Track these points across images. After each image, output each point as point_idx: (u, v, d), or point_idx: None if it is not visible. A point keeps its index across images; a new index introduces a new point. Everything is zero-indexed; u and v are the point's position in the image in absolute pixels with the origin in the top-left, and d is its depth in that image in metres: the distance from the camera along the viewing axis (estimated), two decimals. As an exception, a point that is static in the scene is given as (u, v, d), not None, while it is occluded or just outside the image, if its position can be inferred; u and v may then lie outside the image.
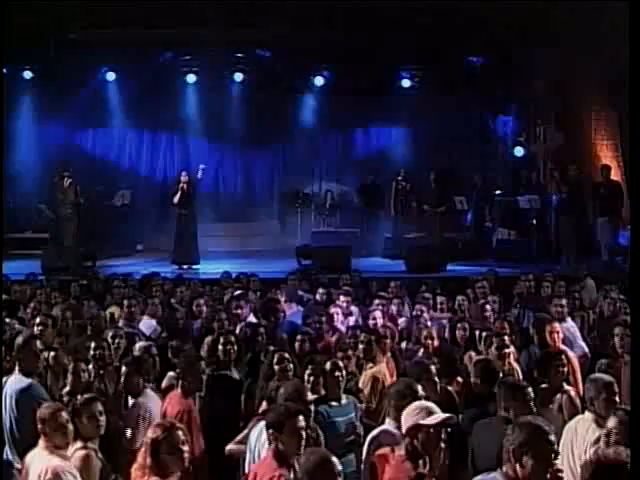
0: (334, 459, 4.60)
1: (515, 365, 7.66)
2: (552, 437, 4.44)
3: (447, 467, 5.46)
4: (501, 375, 6.90)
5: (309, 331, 8.68)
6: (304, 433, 5.26)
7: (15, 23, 16.82)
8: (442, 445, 5.11)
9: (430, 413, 5.14)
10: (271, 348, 7.67)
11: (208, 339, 8.44)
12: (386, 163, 20.91)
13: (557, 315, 9.14)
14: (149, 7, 17.29)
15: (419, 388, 5.94)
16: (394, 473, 5.13)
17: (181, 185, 16.92)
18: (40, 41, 18.55)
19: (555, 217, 18.22)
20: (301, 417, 5.30)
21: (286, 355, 7.18)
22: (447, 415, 5.19)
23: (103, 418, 5.88)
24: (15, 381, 6.81)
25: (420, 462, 5.09)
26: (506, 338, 7.74)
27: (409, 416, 5.20)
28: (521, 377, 7.38)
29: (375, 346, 7.76)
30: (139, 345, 8.18)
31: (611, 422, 5.27)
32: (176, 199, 16.98)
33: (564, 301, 9.53)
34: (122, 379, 6.99)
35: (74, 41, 18.83)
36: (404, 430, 5.18)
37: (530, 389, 6.01)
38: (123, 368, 7.04)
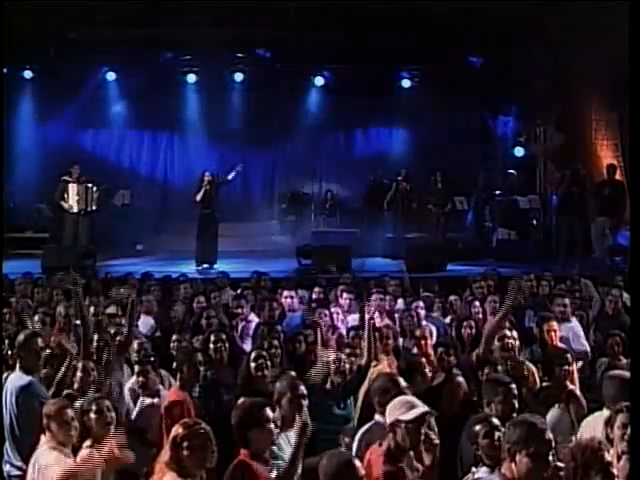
0: (357, 462, 4.59)
1: (531, 366, 7.58)
2: (548, 435, 4.45)
3: (436, 464, 5.48)
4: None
5: (305, 331, 8.69)
6: (272, 426, 5.25)
7: (15, 23, 16.82)
8: (423, 440, 5.16)
9: (411, 408, 5.16)
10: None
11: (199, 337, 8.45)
12: (386, 163, 20.92)
13: (560, 315, 9.12)
14: (149, 7, 17.30)
15: (401, 381, 5.99)
16: (376, 468, 5.13)
17: (205, 184, 16.86)
18: (40, 41, 18.57)
19: (555, 217, 18.22)
20: (267, 409, 5.29)
21: (263, 353, 7.23)
22: (423, 410, 5.17)
23: (112, 414, 5.91)
24: (16, 378, 6.79)
25: (402, 458, 5.12)
26: (507, 331, 7.72)
27: (391, 411, 5.24)
28: (536, 374, 7.38)
29: (378, 344, 7.77)
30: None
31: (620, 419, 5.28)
32: (199, 197, 16.85)
33: (567, 300, 9.51)
34: (137, 377, 6.98)
35: (74, 41, 18.84)
36: (387, 426, 5.22)
37: (513, 385, 6.03)
38: (136, 367, 7.03)
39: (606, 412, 5.81)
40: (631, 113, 6.43)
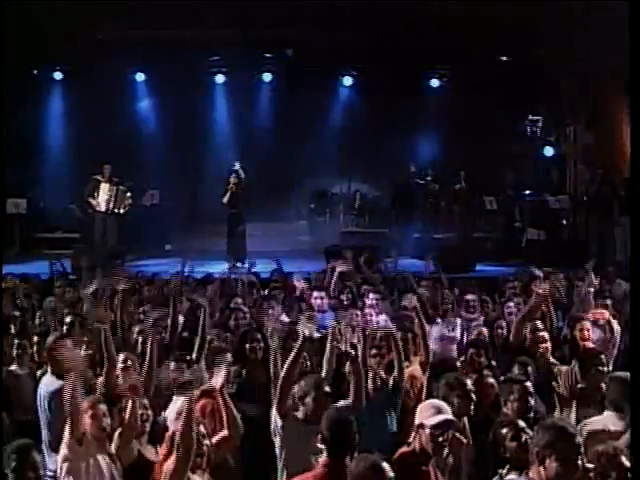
0: (385, 465, 4.54)
1: (562, 367, 7.52)
2: (577, 439, 4.40)
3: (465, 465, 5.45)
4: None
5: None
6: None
7: (45, 24, 16.96)
8: (449, 443, 5.13)
9: (437, 413, 5.17)
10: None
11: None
12: (415, 163, 20.85)
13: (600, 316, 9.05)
14: (178, 7, 17.33)
15: (468, 382, 6.03)
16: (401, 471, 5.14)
17: (230, 186, 17.11)
18: (70, 42, 18.67)
19: (585, 217, 18.11)
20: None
21: (304, 354, 7.19)
22: (446, 417, 5.17)
23: (148, 412, 5.98)
24: (48, 383, 6.82)
25: (426, 460, 5.13)
26: (538, 322, 7.71)
27: (419, 413, 5.26)
28: (568, 376, 7.33)
29: (411, 345, 7.73)
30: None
31: None
32: (225, 199, 17.23)
33: (609, 301, 9.44)
34: (172, 375, 6.96)
35: (104, 42, 18.94)
36: (414, 427, 5.24)
37: (529, 383, 6.10)
38: (172, 364, 7.03)
39: (608, 413, 5.83)
40: (631, 113, 6.37)
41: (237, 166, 17.34)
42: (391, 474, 4.51)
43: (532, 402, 6.00)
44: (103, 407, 5.73)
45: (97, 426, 5.62)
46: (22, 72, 19.47)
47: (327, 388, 6.00)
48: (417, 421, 5.21)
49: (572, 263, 15.79)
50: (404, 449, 5.29)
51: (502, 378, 6.61)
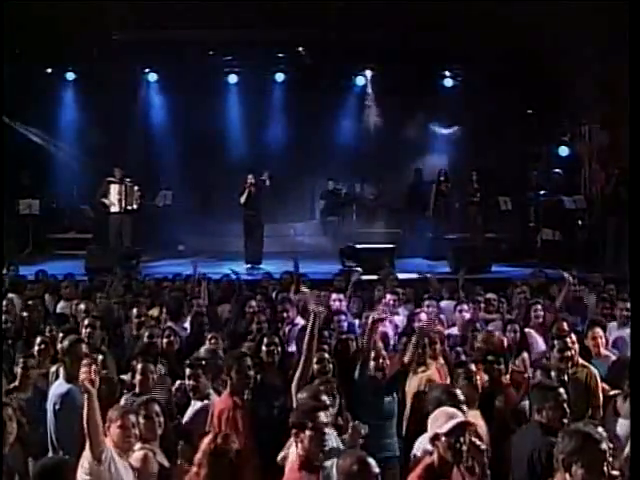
0: (371, 460, 4.52)
1: (594, 370, 7.43)
2: (604, 446, 4.33)
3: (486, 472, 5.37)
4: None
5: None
6: (327, 430, 5.21)
7: (58, 24, 16.96)
8: (467, 449, 4.99)
9: (449, 419, 5.02)
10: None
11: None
12: (429, 163, 20.76)
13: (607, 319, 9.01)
14: (191, 8, 17.31)
15: (458, 392, 5.86)
16: None
17: (248, 186, 17.05)
18: (83, 42, 18.66)
19: (602, 217, 17.98)
20: (322, 413, 5.23)
21: (325, 355, 7.23)
22: (459, 420, 5.01)
23: (161, 419, 5.93)
24: (57, 386, 6.79)
25: (447, 472, 4.98)
26: (568, 340, 7.49)
27: (430, 425, 5.12)
28: (599, 378, 7.28)
29: (428, 349, 7.66)
30: (204, 348, 8.15)
31: None
32: (243, 199, 17.18)
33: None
34: (188, 381, 6.96)
35: (116, 42, 18.94)
36: (429, 440, 5.09)
37: (562, 390, 5.90)
38: (188, 370, 7.00)
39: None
40: (631, 113, 6.33)
41: (265, 175, 17.25)
42: (377, 469, 4.49)
43: (567, 409, 5.78)
44: (133, 418, 5.70)
45: (125, 437, 5.58)
46: (36, 72, 19.48)
47: (325, 398, 5.91)
48: (430, 433, 5.04)
49: (587, 264, 15.78)
50: (427, 459, 5.16)
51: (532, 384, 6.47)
